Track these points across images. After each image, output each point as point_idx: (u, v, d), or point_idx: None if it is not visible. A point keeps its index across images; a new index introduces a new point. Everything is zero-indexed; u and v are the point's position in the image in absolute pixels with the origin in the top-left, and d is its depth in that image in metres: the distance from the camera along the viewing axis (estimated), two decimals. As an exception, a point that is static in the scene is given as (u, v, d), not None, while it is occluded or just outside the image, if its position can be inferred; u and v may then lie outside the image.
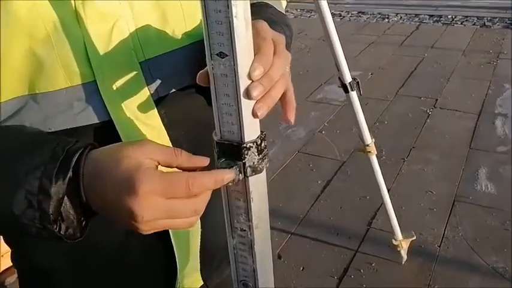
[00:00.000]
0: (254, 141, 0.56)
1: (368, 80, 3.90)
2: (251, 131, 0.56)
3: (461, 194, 2.60)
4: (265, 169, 0.59)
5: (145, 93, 0.67)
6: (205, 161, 0.57)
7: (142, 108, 0.67)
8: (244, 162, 0.57)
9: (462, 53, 4.35)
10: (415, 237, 2.06)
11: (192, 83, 0.71)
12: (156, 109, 0.68)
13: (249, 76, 0.53)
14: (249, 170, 0.57)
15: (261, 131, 0.58)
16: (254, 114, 0.55)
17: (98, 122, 0.65)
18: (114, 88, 0.65)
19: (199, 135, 0.73)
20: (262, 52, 0.55)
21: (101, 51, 0.63)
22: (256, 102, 0.55)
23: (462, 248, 2.25)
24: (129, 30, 0.64)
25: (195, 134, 0.73)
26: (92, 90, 0.64)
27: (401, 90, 3.74)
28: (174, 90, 0.70)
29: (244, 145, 0.56)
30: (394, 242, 2.06)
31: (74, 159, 0.54)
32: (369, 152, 1.78)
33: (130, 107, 0.66)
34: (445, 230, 2.36)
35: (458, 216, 2.44)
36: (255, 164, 0.57)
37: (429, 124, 3.23)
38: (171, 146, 0.71)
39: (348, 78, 1.60)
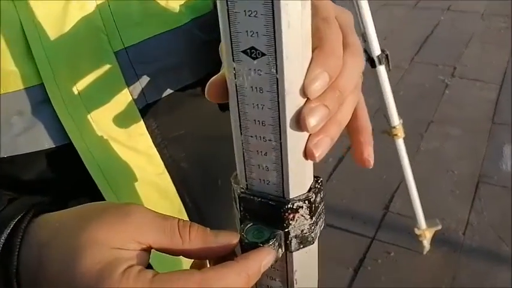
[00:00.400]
0: (306, 198, 0.33)
1: (380, 45, 3.63)
2: (301, 181, 0.33)
3: (485, 174, 2.38)
4: (319, 235, 0.36)
5: (125, 99, 0.44)
6: (232, 238, 0.33)
7: (121, 122, 0.44)
8: (288, 232, 0.34)
9: (480, 16, 4.05)
10: (440, 227, 1.86)
11: (195, 79, 0.47)
12: (143, 122, 0.45)
13: (305, 91, 0.30)
14: (294, 242, 0.34)
15: (315, 177, 0.35)
16: (309, 155, 0.31)
17: (52, 147, 0.42)
18: (75, 93, 0.41)
19: (211, 157, 0.50)
20: (327, 47, 0.30)
21: (51, 38, 0.39)
22: (312, 135, 0.31)
23: (488, 236, 2.05)
24: (96, 2, 0.40)
25: (204, 155, 0.50)
26: (38, 99, 0.41)
27: (416, 57, 3.47)
28: (169, 91, 0.47)
29: (290, 206, 0.33)
30: (417, 232, 1.85)
31: (2, 240, 0.32)
32: (395, 135, 1.54)
33: (101, 122, 0.43)
34: (469, 216, 2.15)
35: (483, 200, 2.23)
36: (304, 232, 0.34)
37: (448, 95, 2.98)
38: (167, 174, 0.48)
39: (376, 51, 1.35)
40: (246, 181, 0.34)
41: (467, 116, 2.80)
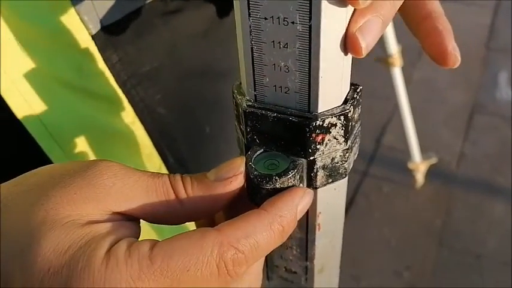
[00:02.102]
0: (341, 113, 0.23)
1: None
2: (335, 87, 0.23)
3: (479, 103, 2.31)
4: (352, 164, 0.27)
5: (70, 20, 0.33)
6: (236, 166, 0.24)
7: (67, 54, 0.33)
8: (314, 160, 0.24)
9: None
10: (435, 160, 1.79)
11: None
12: (99, 54, 0.34)
13: None
14: (321, 174, 0.25)
15: (352, 85, 0.25)
16: (351, 45, 0.21)
17: None
18: None
19: (195, 98, 0.40)
20: None
21: None
22: (356, 14, 0.21)
23: (483, 167, 2.00)
24: None
25: (186, 95, 0.40)
26: None
27: (407, -16, 3.31)
28: (133, 8, 0.36)
29: (318, 123, 0.23)
30: (410, 166, 1.78)
31: None
32: (391, 64, 1.43)
33: (37, 56, 0.32)
34: (463, 147, 2.09)
35: (477, 130, 2.16)
36: (335, 161, 0.24)
37: (441, 23, 2.86)
38: (139, 123, 0.37)
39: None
40: (255, 90, 0.23)
41: (461, 42, 2.57)
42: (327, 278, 0.32)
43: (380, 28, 0.21)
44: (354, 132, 0.25)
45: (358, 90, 0.24)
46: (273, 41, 0.21)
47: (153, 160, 0.39)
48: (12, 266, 0.20)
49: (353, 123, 0.24)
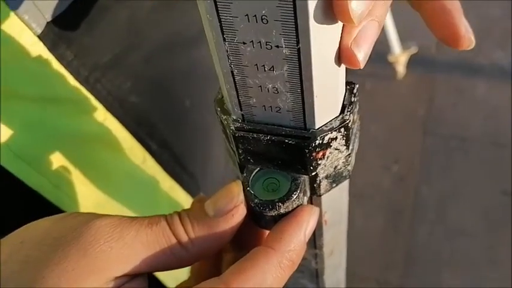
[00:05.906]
0: (340, 125, 0.21)
1: None
2: (331, 100, 0.20)
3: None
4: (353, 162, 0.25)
5: (10, 22, 0.28)
6: (233, 192, 0.22)
7: (14, 62, 0.29)
8: (316, 174, 0.22)
9: None
10: (416, 50, 1.76)
11: None
12: (50, 54, 0.29)
13: None
14: (324, 183, 0.23)
15: (348, 84, 0.22)
16: (347, 59, 0.18)
17: None
18: None
19: (167, 74, 0.36)
20: None
21: None
22: (347, 29, 0.18)
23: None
24: None
25: (157, 74, 0.36)
26: None
27: None
28: None
29: (318, 141, 0.20)
30: (390, 59, 1.75)
31: None
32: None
33: None
34: (441, 30, 2.05)
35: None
36: (338, 168, 0.22)
37: None
38: (112, 119, 0.34)
39: None
40: (241, 109, 0.20)
41: None
42: (337, 258, 0.31)
43: (376, 32, 0.18)
44: (354, 132, 0.23)
45: (354, 91, 0.21)
46: (256, 64, 0.18)
47: (135, 153, 0.36)
48: None
49: (353, 127, 0.22)
